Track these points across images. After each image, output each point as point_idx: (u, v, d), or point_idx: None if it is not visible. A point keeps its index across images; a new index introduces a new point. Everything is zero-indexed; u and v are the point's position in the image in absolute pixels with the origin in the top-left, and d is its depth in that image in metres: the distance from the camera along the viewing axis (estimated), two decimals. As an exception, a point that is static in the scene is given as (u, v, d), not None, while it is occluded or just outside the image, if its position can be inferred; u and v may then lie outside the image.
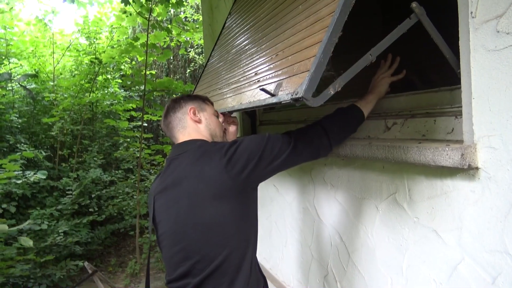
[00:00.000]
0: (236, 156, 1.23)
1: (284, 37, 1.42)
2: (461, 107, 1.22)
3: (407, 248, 1.34)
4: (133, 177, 7.01)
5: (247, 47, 1.88)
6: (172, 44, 6.81)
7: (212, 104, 1.57)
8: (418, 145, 1.18)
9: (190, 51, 9.13)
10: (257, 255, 1.40)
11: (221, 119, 1.59)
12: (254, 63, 1.65)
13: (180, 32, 5.78)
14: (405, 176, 1.33)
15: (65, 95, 6.76)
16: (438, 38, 1.23)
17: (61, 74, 7.58)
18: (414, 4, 1.20)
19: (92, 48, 6.89)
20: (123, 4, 4.71)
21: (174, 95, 5.70)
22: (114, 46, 6.77)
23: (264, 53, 1.58)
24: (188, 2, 8.40)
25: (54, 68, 7.21)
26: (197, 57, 9.15)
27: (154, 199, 1.37)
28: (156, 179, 1.44)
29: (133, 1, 4.94)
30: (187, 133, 1.43)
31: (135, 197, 6.31)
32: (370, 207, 1.52)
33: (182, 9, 8.43)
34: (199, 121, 1.45)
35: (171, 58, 9.07)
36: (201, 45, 8.62)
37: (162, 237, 1.35)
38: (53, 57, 7.16)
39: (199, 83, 2.64)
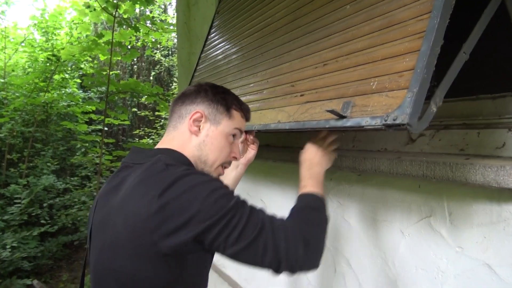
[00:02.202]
0: (173, 207, 0.83)
1: (331, 43, 1.17)
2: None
3: (445, 282, 1.13)
4: (91, 184, 6.53)
5: (263, 52, 1.62)
6: (138, 44, 6.44)
7: (246, 118, 1.17)
8: (472, 161, 0.99)
9: (156, 53, 8.74)
10: (236, 275, 1.09)
11: (242, 139, 1.29)
12: (284, 72, 1.39)
13: (148, 31, 5.44)
14: (444, 198, 1.13)
15: (17, 94, 6.21)
16: None
17: (13, 71, 7.01)
18: None
19: (49, 44, 6.38)
20: (87, -3, 4.35)
21: (139, 98, 5.35)
22: (74, 43, 6.31)
23: (298, 61, 1.33)
24: (156, 1, 8.05)
25: (5, 64, 6.62)
26: (163, 59, 8.77)
27: (94, 211, 1.02)
28: (105, 184, 1.06)
29: (99, -5, 4.58)
30: (171, 137, 1.07)
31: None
32: (392, 231, 1.31)
33: (149, 8, 8.06)
34: (195, 133, 1.05)
35: (135, 59, 8.64)
36: (168, 46, 8.28)
37: (91, 265, 1.00)
38: (5, 52, 6.58)
39: None
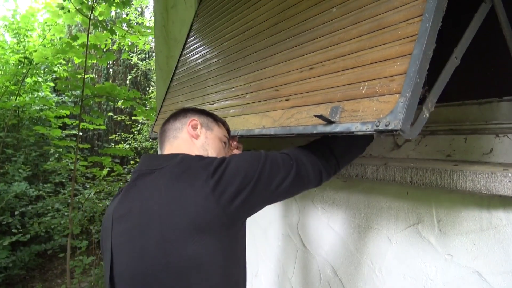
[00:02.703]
0: (227, 177, 0.94)
1: (317, 46, 1.14)
2: (506, 123, 1.04)
3: (434, 291, 1.12)
4: (65, 191, 6.33)
5: (245, 56, 1.58)
6: (114, 47, 6.30)
7: (227, 129, 1.30)
8: (462, 168, 0.97)
9: (132, 56, 8.57)
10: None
11: (231, 144, 1.33)
12: (268, 76, 1.35)
13: (125, 34, 5.33)
14: (433, 204, 1.11)
15: (-14, 98, 5.96)
16: (509, 30, 1.02)
17: (-19, 73, 6.70)
18: None
19: (21, 47, 6.16)
20: (62, -2, 4.21)
21: (116, 102, 5.22)
22: (47, 45, 6.11)
23: (282, 65, 1.29)
24: (133, 4, 7.91)
25: (-26, 66, 6.37)
26: (140, 62, 8.61)
27: (112, 225, 1.02)
28: (116, 197, 1.09)
29: (73, -3, 4.45)
30: (176, 145, 1.14)
31: (66, 214, 5.66)
32: (379, 238, 1.29)
33: (126, 11, 7.91)
34: (195, 137, 1.17)
35: (111, 62, 8.46)
36: (145, 50, 8.14)
37: (118, 278, 1.00)
38: (-27, 54, 6.32)
39: (168, 94, 2.29)
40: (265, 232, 1.95)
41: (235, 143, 1.41)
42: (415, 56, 0.78)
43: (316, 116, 0.93)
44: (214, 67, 1.85)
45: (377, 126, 0.80)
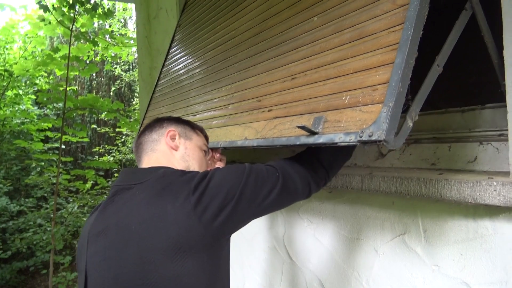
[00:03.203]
0: (209, 193, 0.90)
1: (299, 56, 1.12)
2: (489, 131, 1.04)
3: (422, 302, 1.10)
4: (47, 206, 6.18)
5: (227, 66, 1.56)
6: (97, 59, 6.23)
7: (205, 136, 1.26)
8: (447, 177, 0.96)
9: (116, 68, 8.49)
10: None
11: (209, 156, 1.28)
12: (250, 86, 1.33)
13: (107, 45, 5.27)
14: (419, 214, 1.10)
15: (-35, 111, 5.82)
16: (490, 37, 1.02)
17: (-40, 87, 6.55)
18: None
19: (1, 59, 6.05)
20: (42, 11, 4.15)
21: (99, 114, 5.15)
22: (28, 57, 6.01)
23: (265, 75, 1.27)
24: (115, 15, 7.85)
25: (-48, 79, 6.21)
26: (124, 74, 8.53)
27: (87, 243, 0.97)
28: (94, 213, 1.04)
29: (54, 8, 4.39)
30: (155, 158, 1.09)
31: (49, 229, 5.51)
32: (366, 249, 1.27)
33: (109, 22, 7.85)
34: (175, 148, 1.12)
35: (94, 74, 8.36)
36: (129, 61, 8.07)
37: None
38: (-49, 67, 6.17)
39: (150, 105, 2.26)
40: (250, 244, 1.91)
41: (218, 155, 1.38)
42: (397, 65, 0.77)
43: (298, 127, 0.91)
44: (197, 78, 1.82)
45: (360, 137, 0.78)
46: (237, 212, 0.91)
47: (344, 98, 0.89)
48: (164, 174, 0.98)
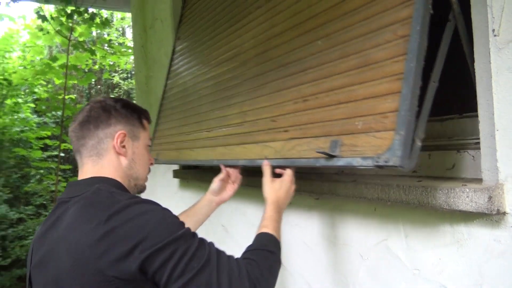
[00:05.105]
0: (123, 231, 0.79)
1: (308, 78, 1.17)
2: (466, 139, 1.08)
3: (404, 306, 1.13)
4: (47, 213, 6.21)
5: (236, 83, 1.59)
6: (95, 67, 6.29)
7: (149, 122, 1.14)
8: (424, 184, 1.00)
9: (114, 76, 8.55)
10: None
11: (222, 176, 1.30)
12: (263, 105, 1.37)
13: (105, 54, 5.33)
14: (400, 220, 1.13)
15: (-35, 120, 5.87)
16: (468, 47, 1.06)
17: (-41, 96, 6.61)
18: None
19: (0, 68, 6.11)
20: (40, 20, 4.21)
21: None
22: (27, 66, 6.08)
23: (276, 95, 1.31)
24: (113, 24, 7.93)
25: (-48, 89, 6.26)
26: (122, 82, 8.60)
27: (31, 255, 0.96)
28: (43, 222, 1.01)
29: (52, 18, 4.46)
30: (100, 166, 1.00)
31: (48, 236, 5.53)
32: (352, 254, 1.30)
33: (107, 31, 7.93)
34: (123, 154, 1.02)
35: (93, 82, 8.42)
36: (127, 70, 8.14)
37: None
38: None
39: (161, 118, 2.30)
40: (241, 248, 1.94)
41: (235, 174, 1.39)
42: (404, 95, 0.83)
43: (318, 152, 0.98)
44: (205, 93, 1.86)
45: (377, 162, 0.85)
46: (138, 273, 0.79)
47: (357, 123, 0.95)
48: (99, 190, 0.91)
